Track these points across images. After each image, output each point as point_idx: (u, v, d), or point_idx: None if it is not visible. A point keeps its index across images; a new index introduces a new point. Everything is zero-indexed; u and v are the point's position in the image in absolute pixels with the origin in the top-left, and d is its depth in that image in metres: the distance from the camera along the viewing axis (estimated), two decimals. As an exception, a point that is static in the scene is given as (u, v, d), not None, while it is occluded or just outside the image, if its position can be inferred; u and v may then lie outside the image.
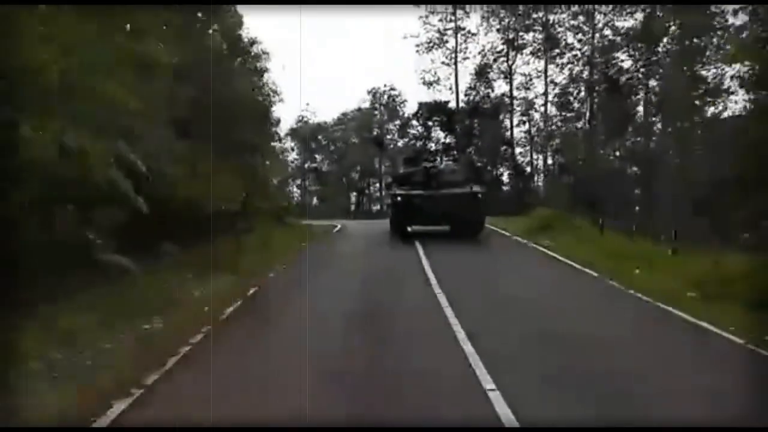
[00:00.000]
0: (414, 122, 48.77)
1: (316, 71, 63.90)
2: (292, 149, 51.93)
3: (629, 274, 9.00)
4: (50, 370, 4.63)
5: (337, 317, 7.08)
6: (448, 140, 44.38)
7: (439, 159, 39.65)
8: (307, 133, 51.12)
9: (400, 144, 52.19)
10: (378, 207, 49.56)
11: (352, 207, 51.02)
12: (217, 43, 14.34)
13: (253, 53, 16.68)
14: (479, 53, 38.46)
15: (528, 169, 41.04)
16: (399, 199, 15.23)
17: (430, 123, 46.36)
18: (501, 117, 40.89)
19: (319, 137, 52.76)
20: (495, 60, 38.80)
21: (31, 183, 5.64)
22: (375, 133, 53.62)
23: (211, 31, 15.21)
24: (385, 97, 54.82)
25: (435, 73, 39.26)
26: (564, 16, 35.40)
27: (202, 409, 4.06)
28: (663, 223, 15.48)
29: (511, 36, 37.79)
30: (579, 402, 4.26)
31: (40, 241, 5.94)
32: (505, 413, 3.96)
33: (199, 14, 14.86)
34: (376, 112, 55.25)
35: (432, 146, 45.23)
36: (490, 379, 4.64)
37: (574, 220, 15.65)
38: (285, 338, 6.32)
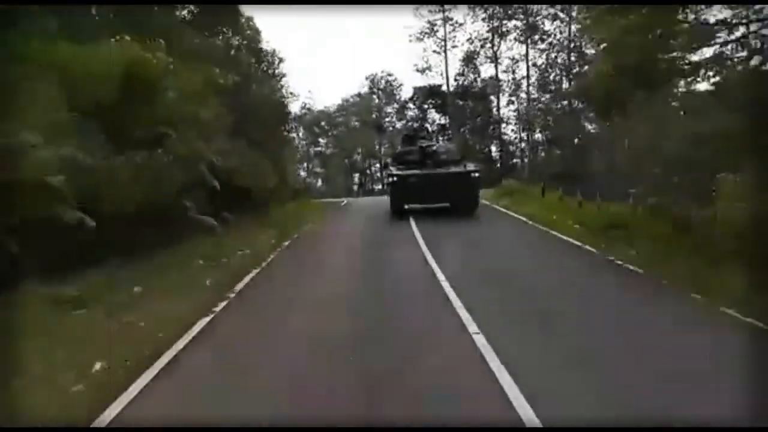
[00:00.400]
0: (410, 105, 52.87)
1: (317, 60, 67.62)
2: (298, 135, 55.88)
3: (547, 218, 13.25)
4: (205, 269, 8.89)
5: (354, 242, 11.98)
6: (442, 121, 48.36)
7: (435, 138, 43.82)
8: (311, 120, 54.93)
9: (398, 126, 55.92)
10: (379, 186, 53.67)
11: (355, 187, 55.08)
12: (246, 59, 18.36)
13: (272, 61, 20.73)
14: (467, 40, 42.04)
15: (516, 146, 45.08)
16: (395, 179, 15.44)
17: (426, 106, 50.47)
18: (489, 98, 44.78)
19: (322, 123, 56.57)
20: (482, 46, 42.46)
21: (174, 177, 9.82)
22: (374, 116, 57.44)
23: (236, 45, 19.24)
24: (383, 82, 58.34)
25: (427, 60, 42.88)
26: (543, 6, 38.89)
27: (289, 274, 8.53)
28: (611, 190, 19.10)
29: (495, 24, 41.43)
30: (487, 275, 8.37)
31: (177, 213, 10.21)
32: (447, 286, 7.58)
33: (225, 29, 18.90)
34: (375, 97, 58.90)
35: (428, 127, 48.79)
36: (439, 268, 8.73)
37: (529, 188, 19.88)
38: (323, 251, 11.42)
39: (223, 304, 7.06)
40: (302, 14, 50.49)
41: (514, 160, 43.74)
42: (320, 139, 58.96)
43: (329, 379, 4.46)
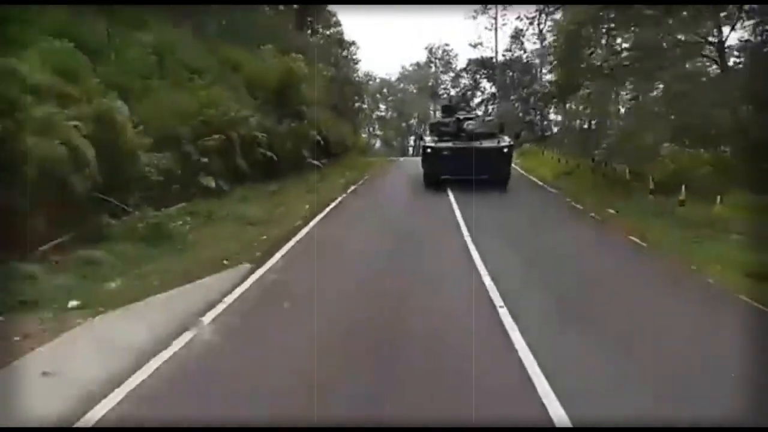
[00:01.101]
0: (464, 74, 58.73)
1: (381, 31, 73.83)
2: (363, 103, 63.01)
3: (533, 168, 19.85)
4: (316, 189, 16.18)
5: (404, 179, 18.78)
6: (493, 90, 54.03)
7: (485, 106, 49.76)
8: (374, 88, 61.65)
9: (452, 93, 61.95)
10: (431, 147, 60.35)
11: (410, 149, 61.90)
12: (335, 51, 25.39)
13: (351, 49, 27.66)
14: (516, 18, 46.99)
15: (556, 116, 50.11)
16: (429, 151, 15.65)
17: (477, 76, 56.20)
18: (534, 71, 49.83)
19: (384, 90, 63.17)
20: (530, 23, 47.31)
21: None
22: (430, 84, 63.59)
23: (328, 39, 26.29)
24: (440, 52, 64.04)
25: (480, 36, 48.37)
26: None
27: (371, 187, 15.83)
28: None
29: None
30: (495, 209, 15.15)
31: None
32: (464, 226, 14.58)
33: (320, 28, 25.98)
34: (432, 66, 64.87)
35: (479, 94, 54.32)
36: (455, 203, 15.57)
37: (539, 150, 26.25)
38: (386, 182, 18.21)
39: (343, 195, 14.49)
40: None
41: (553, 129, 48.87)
42: (381, 105, 65.77)
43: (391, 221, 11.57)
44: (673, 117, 16.11)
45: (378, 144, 66.32)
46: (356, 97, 28.03)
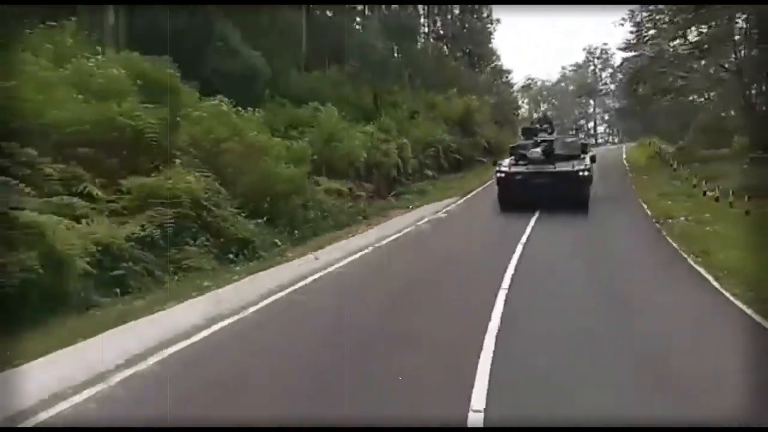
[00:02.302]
0: (619, 72, 64.91)
1: (539, 36, 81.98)
2: (522, 102, 72.52)
3: (634, 155, 28.69)
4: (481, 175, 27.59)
5: None
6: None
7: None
8: (534, 91, 70.73)
9: (612, 87, 68.31)
10: (592, 140, 67.52)
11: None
12: (497, 79, 36.51)
13: (509, 78, 38.54)
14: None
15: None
16: (501, 175, 15.27)
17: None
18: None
19: (544, 92, 71.74)
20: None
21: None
22: (589, 82, 70.64)
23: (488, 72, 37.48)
24: (598, 51, 70.65)
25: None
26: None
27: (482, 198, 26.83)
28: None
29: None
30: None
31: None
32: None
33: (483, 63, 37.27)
34: (591, 65, 71.77)
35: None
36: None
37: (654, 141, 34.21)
38: None
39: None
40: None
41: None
42: (542, 105, 74.45)
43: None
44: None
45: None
46: (513, 110, 38.64)
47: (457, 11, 37.76)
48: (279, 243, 10.65)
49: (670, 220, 12.39)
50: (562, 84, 73.79)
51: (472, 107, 28.64)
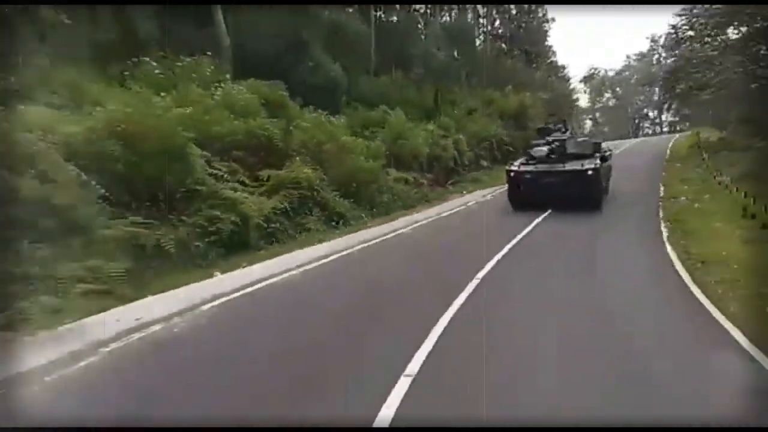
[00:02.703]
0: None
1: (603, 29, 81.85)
2: (584, 91, 73.37)
3: (678, 143, 30.70)
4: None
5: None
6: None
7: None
8: (597, 81, 71.40)
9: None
10: (651, 130, 67.64)
11: (630, 131, 69.97)
12: (552, 75, 39.01)
13: (565, 73, 40.86)
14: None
15: None
16: (511, 174, 15.49)
17: (698, 59, 61.95)
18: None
19: (606, 83, 72.24)
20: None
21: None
22: (653, 70, 70.45)
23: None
24: (662, 39, 70.29)
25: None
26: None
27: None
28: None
29: None
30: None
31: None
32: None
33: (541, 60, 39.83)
34: (655, 53, 71.52)
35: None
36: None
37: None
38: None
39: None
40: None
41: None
42: (605, 94, 74.93)
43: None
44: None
45: (606, 129, 75.29)
46: (570, 104, 40.96)
47: (514, 11, 40.45)
48: (363, 216, 14.71)
49: (673, 199, 15.33)
50: (626, 73, 73.96)
51: (526, 103, 31.61)
